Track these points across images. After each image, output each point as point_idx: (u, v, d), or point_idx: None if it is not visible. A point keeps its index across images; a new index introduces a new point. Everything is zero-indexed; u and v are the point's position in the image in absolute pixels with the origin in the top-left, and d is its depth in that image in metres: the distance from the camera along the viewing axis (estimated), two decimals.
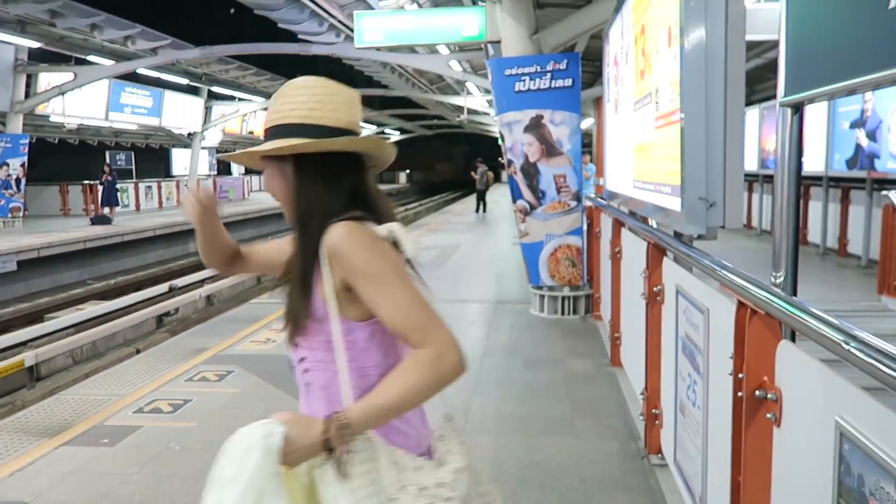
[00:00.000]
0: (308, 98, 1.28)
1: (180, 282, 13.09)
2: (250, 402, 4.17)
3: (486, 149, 43.90)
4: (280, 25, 13.19)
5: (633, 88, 3.89)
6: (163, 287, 12.64)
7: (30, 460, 3.41)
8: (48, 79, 16.40)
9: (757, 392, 1.74)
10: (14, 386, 7.72)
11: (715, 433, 2.24)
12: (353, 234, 1.21)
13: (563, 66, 6.00)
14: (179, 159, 27.78)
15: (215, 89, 23.09)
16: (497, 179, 36.77)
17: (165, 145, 29.07)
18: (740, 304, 1.86)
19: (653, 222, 3.65)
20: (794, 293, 1.79)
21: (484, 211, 19.13)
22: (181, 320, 11.21)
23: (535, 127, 6.09)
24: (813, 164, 9.32)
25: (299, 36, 14.08)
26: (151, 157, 30.78)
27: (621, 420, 3.81)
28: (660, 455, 3.21)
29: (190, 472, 3.24)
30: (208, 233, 1.51)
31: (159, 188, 22.93)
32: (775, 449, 1.70)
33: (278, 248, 1.53)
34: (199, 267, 15.43)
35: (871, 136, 7.65)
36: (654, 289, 3.17)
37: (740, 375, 1.82)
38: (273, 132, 1.29)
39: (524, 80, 6.08)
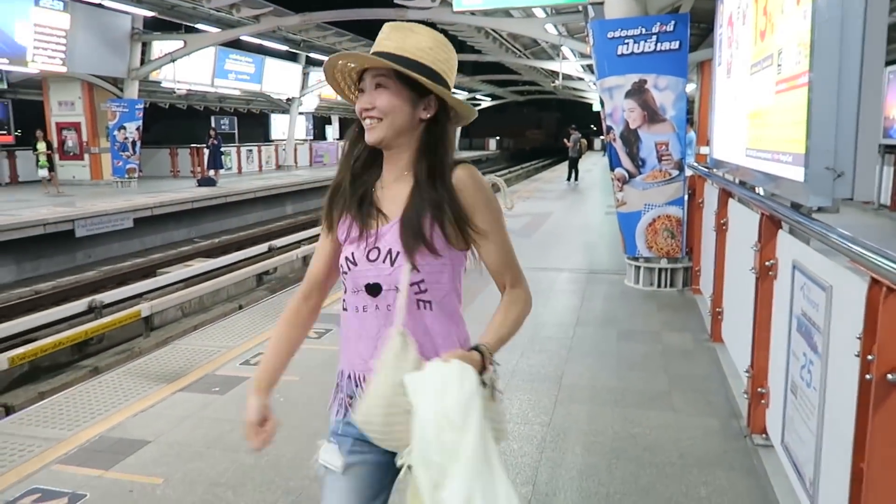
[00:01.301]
0: (437, 49, 1.39)
1: (279, 242, 13.65)
2: None
3: (579, 115, 42.87)
4: None
5: (750, 50, 3.66)
6: (263, 247, 13.22)
7: (150, 403, 3.68)
8: (160, 46, 17.25)
9: (889, 376, 1.63)
10: (131, 334, 8.33)
11: (833, 417, 2.13)
12: (480, 178, 1.40)
13: (670, 27, 5.72)
14: (278, 124, 28.72)
15: (313, 55, 23.60)
16: (590, 147, 35.96)
17: (265, 111, 30.10)
18: (874, 282, 1.73)
19: (762, 192, 3.45)
20: None
21: (576, 179, 18.76)
22: (279, 279, 11.71)
23: (638, 92, 5.87)
24: None
25: (395, 0, 14.13)
26: (252, 122, 31.97)
27: (722, 397, 3.68)
28: (764, 435, 3.08)
29: (294, 423, 3.40)
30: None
31: (259, 152, 23.83)
32: None
33: (327, 248, 1.55)
34: (296, 228, 16.05)
35: None
36: (767, 263, 3.01)
37: (870, 357, 1.71)
38: (407, 64, 1.35)
39: (627, 44, 5.84)
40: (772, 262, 2.98)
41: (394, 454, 1.37)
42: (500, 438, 1.36)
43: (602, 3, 6.19)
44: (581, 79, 26.15)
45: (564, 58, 21.22)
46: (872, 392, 1.70)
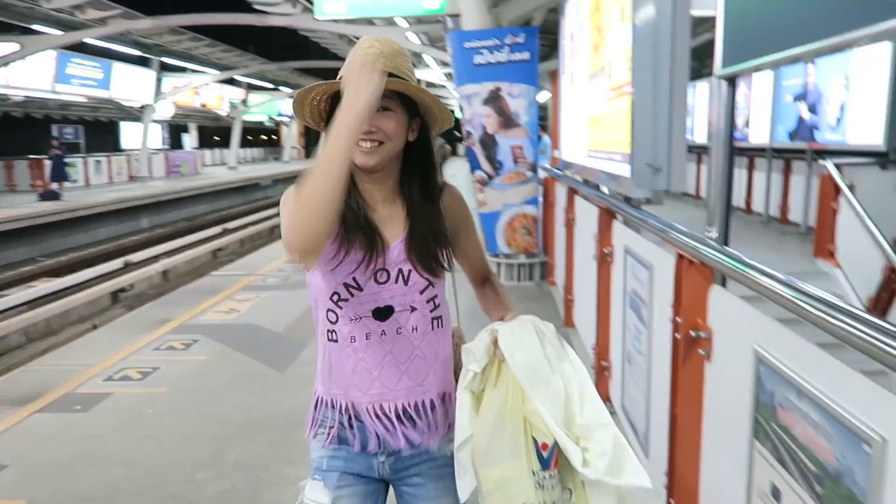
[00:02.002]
0: (410, 68, 1.35)
1: (135, 257, 12.94)
2: (218, 367, 4.28)
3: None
4: None
5: (588, 62, 4.08)
6: (117, 263, 12.48)
7: (4, 427, 3.48)
8: None
9: (691, 332, 1.97)
10: None
11: (657, 375, 2.48)
12: (462, 195, 1.50)
13: (520, 39, 6.16)
14: (129, 133, 27.11)
15: (166, 60, 22.53)
16: (454, 153, 36.81)
17: (114, 119, 28.30)
18: (679, 256, 2.07)
19: (604, 189, 3.87)
20: (726, 245, 2.02)
21: None
22: (137, 296, 11.12)
23: (494, 99, 6.25)
24: (758, 136, 9.73)
25: (255, 6, 13.89)
26: (99, 130, 29.92)
27: None
28: (608, 403, 3.46)
29: (165, 433, 3.36)
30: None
31: (109, 163, 22.33)
32: (706, 381, 1.93)
33: None
34: (153, 242, 15.26)
35: (812, 108, 8.04)
36: (605, 250, 3.40)
37: (678, 319, 2.05)
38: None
39: (483, 53, 6.22)
40: (609, 249, 3.36)
41: (380, 482, 1.42)
42: None
43: (459, 15, 6.52)
44: (443, 86, 26.85)
45: (426, 66, 21.73)
46: (681, 348, 2.03)
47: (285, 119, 37.32)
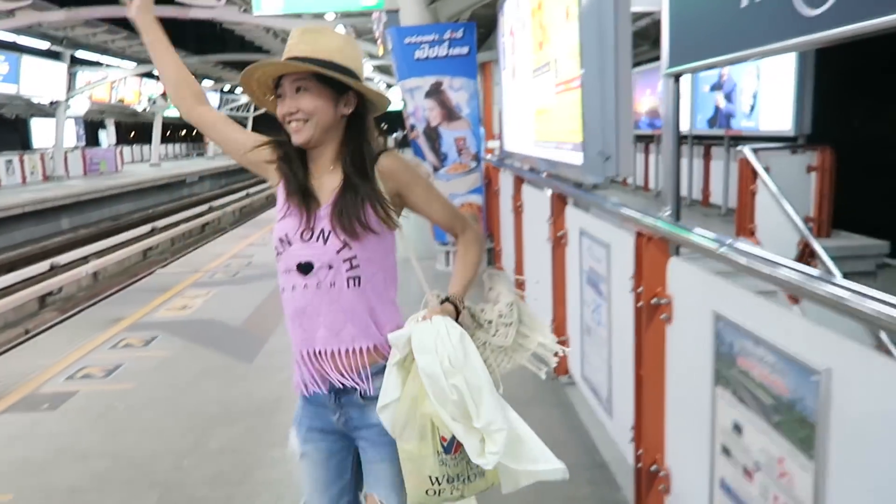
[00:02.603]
0: (347, 47, 1.51)
1: (62, 259, 12.46)
2: (182, 362, 4.32)
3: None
4: None
5: (531, 57, 4.34)
6: (43, 265, 11.99)
7: None
8: None
9: (653, 300, 2.24)
10: None
11: (617, 342, 2.76)
12: (402, 158, 1.60)
13: (459, 34, 6.36)
14: (40, 130, 25.77)
15: (80, 54, 21.54)
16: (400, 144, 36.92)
17: (22, 115, 26.82)
18: (638, 234, 2.34)
19: (553, 175, 4.13)
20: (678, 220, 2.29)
21: None
22: (66, 299, 10.75)
23: (436, 92, 6.44)
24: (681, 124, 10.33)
25: (176, 0, 13.51)
26: (5, 128, 28.33)
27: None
28: (567, 375, 3.75)
29: (142, 426, 3.42)
30: (155, 37, 1.73)
31: (21, 162, 21.22)
32: (668, 341, 2.21)
33: (244, 135, 1.69)
34: (80, 243, 14.69)
35: (728, 97, 8.63)
36: (559, 233, 3.66)
37: (640, 289, 2.32)
38: (325, 65, 1.45)
39: (423, 48, 6.39)
40: (562, 232, 3.63)
41: (345, 438, 1.60)
42: (500, 358, 1.61)
43: (398, 11, 6.67)
44: (370, 79, 26.79)
45: None
46: (644, 315, 2.30)
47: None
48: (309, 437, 1.63)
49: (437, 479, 1.48)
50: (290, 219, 1.52)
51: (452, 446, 1.47)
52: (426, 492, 1.49)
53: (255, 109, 45.24)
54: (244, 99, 41.14)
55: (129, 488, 2.82)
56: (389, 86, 29.43)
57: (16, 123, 27.99)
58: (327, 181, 1.54)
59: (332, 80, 1.47)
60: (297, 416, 1.67)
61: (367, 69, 23.15)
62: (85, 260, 12.56)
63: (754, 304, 1.70)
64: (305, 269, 1.50)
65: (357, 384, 1.54)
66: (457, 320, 1.49)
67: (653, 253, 2.27)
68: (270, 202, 21.98)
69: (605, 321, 2.91)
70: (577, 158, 3.26)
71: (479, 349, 1.49)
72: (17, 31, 15.97)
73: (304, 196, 1.51)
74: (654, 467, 2.35)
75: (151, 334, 4.92)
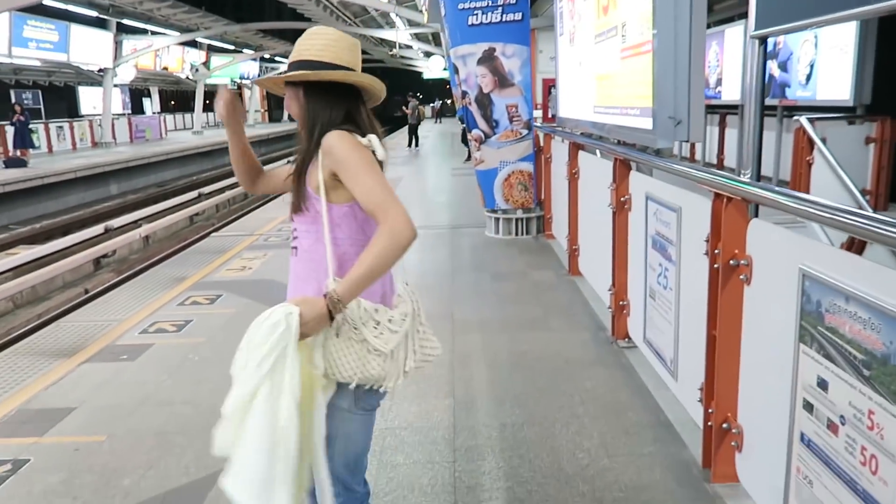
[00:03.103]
0: (322, 42, 1.69)
1: (115, 223, 12.85)
2: (248, 320, 4.45)
3: (407, 84, 43.65)
4: None
5: (593, 23, 4.31)
6: (98, 228, 12.38)
7: (59, 376, 3.65)
8: None
9: (731, 261, 2.28)
10: None
11: (688, 305, 2.80)
12: (342, 137, 1.61)
13: (512, 0, 6.33)
14: (87, 98, 26.30)
15: (126, 22, 21.87)
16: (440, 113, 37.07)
17: (71, 83, 27.40)
18: (716, 196, 2.37)
19: (613, 141, 4.14)
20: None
21: (416, 145, 19.36)
22: (120, 261, 11.11)
23: (488, 59, 6.44)
24: (729, 94, 10.10)
25: None
26: (55, 95, 28.97)
27: (587, 316, 4.39)
28: (627, 339, 3.80)
29: (216, 377, 3.57)
30: (236, 138, 1.88)
31: (72, 129, 21.78)
32: (746, 301, 2.25)
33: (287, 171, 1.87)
34: (130, 208, 15.11)
35: (783, 66, 8.42)
36: (622, 199, 3.69)
37: (717, 251, 2.35)
38: (294, 65, 1.69)
39: (477, 14, 6.38)
40: (626, 197, 3.65)
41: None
42: (333, 371, 1.61)
43: None
44: (410, 47, 26.72)
45: (394, 26, 21.55)
46: (720, 276, 2.34)
47: (247, 82, 36.56)
48: None
49: None
50: None
51: None
52: None
53: None
54: (283, 68, 41.33)
55: (211, 433, 2.98)
56: (428, 54, 29.30)
57: (64, 91, 28.60)
58: None
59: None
60: None
61: (405, 37, 23.06)
62: (136, 224, 12.92)
63: (843, 262, 1.73)
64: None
65: None
66: (331, 317, 1.54)
67: (732, 215, 2.30)
68: None
69: (674, 284, 2.95)
70: (645, 123, 3.27)
71: (349, 344, 1.60)
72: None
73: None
74: (725, 425, 2.40)
75: (216, 293, 5.11)
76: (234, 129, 1.85)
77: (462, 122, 16.70)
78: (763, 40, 2.24)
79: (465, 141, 16.10)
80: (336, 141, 1.60)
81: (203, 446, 2.86)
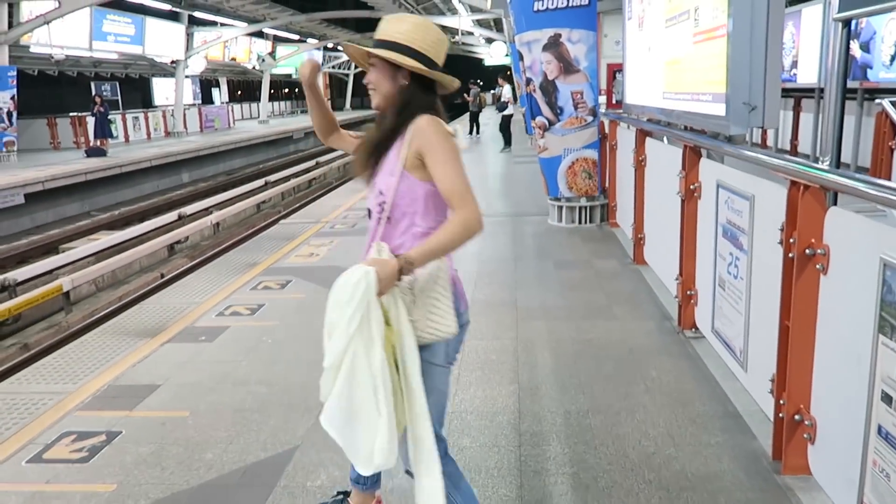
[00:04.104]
0: (421, 33, 1.81)
1: (188, 210, 13.36)
2: (319, 304, 4.57)
3: (468, 71, 43.51)
4: None
5: (664, 7, 4.23)
6: (171, 215, 12.91)
7: (144, 354, 3.87)
8: (30, 7, 16.01)
9: (807, 251, 2.23)
10: (46, 312, 8.10)
11: (760, 295, 2.76)
12: (434, 122, 1.78)
13: None
14: (160, 89, 27.34)
15: (196, 14, 22.58)
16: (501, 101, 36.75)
17: (145, 75, 28.53)
18: (793, 184, 2.31)
19: (683, 127, 4.06)
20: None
21: (478, 132, 19.34)
22: (192, 247, 11.56)
23: (554, 45, 6.39)
24: (806, 76, 9.70)
25: None
26: (130, 87, 30.21)
27: (653, 305, 4.35)
28: (694, 329, 3.76)
29: (290, 358, 3.74)
30: (316, 99, 2.07)
31: (146, 119, 22.71)
32: (822, 292, 2.20)
33: (352, 136, 2.13)
34: (202, 195, 15.68)
35: (865, 47, 8.03)
36: (691, 187, 3.63)
37: (792, 240, 2.30)
38: (389, 45, 1.79)
39: (542, 0, 6.33)
40: (695, 185, 3.59)
41: None
42: (421, 329, 1.75)
43: None
44: (471, 34, 26.63)
45: (456, 13, 21.52)
46: (795, 265, 2.29)
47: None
48: None
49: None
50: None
51: None
52: None
53: (355, 68, 45.97)
54: (345, 57, 41.90)
55: (287, 411, 3.12)
56: (490, 40, 29.13)
57: (139, 83, 29.80)
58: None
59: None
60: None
61: (467, 23, 23.01)
62: (207, 211, 13.41)
63: None
64: (369, 212, 1.89)
65: None
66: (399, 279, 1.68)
67: (809, 203, 2.25)
68: None
69: (745, 274, 2.90)
70: (718, 109, 3.21)
71: (435, 303, 1.77)
72: None
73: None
74: (797, 416, 2.36)
75: (286, 278, 5.29)
76: (313, 91, 2.04)
77: (498, 110, 16.33)
78: (847, 23, 2.17)
79: (503, 129, 15.94)
80: (430, 125, 1.76)
81: (278, 423, 3.01)
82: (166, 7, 20.90)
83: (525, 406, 3.08)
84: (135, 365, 3.73)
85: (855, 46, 8.31)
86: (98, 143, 17.65)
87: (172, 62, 23.76)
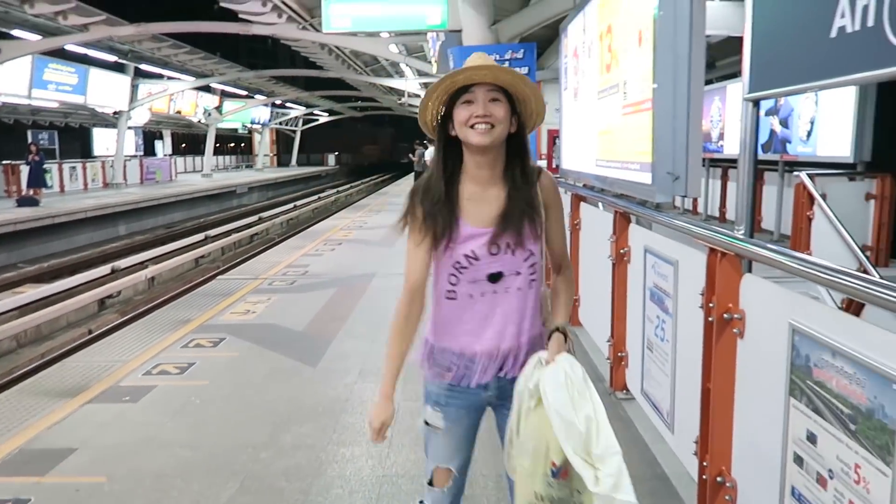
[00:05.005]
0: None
1: (121, 263, 12.96)
2: (252, 362, 4.53)
3: (412, 131, 44.38)
4: (222, 4, 13.15)
5: (597, 79, 4.46)
6: (104, 269, 12.49)
7: (62, 416, 3.68)
8: None
9: (725, 315, 2.33)
10: None
11: (683, 357, 2.84)
12: (555, 182, 1.80)
13: (520, 55, 6.54)
14: (101, 139, 26.88)
15: (143, 67, 22.47)
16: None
17: (86, 124, 28.02)
18: (711, 250, 2.43)
19: (614, 195, 4.23)
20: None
21: None
22: (124, 302, 11.18)
23: None
24: (732, 148, 10.27)
25: (240, 15, 14.07)
26: (69, 136, 29.58)
27: (586, 367, 4.32)
28: (624, 391, 3.82)
29: (220, 419, 3.61)
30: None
31: (84, 169, 22.17)
32: (739, 355, 2.29)
33: (424, 257, 1.75)
34: (139, 248, 15.26)
35: (784, 123, 8.59)
36: (621, 251, 3.76)
37: (711, 305, 2.40)
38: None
39: None
40: (625, 249, 3.72)
41: (478, 416, 1.85)
42: None
43: (459, 31, 6.88)
44: (418, 95, 27.25)
45: (403, 75, 22.06)
46: (714, 329, 2.39)
47: (258, 127, 37.25)
48: (457, 416, 1.82)
49: (541, 496, 1.66)
50: (462, 234, 1.70)
51: (560, 472, 1.64)
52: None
53: (303, 124, 46.29)
54: (293, 114, 42.19)
55: (211, 476, 3.00)
56: None
57: (79, 132, 29.23)
58: (496, 192, 1.72)
59: (511, 99, 1.67)
60: (437, 398, 1.82)
61: (414, 86, 23.59)
62: (142, 265, 13.04)
63: (832, 318, 1.79)
64: (496, 277, 1.70)
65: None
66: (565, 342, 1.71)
67: (726, 269, 2.36)
68: (317, 214, 22.44)
69: (670, 337, 2.99)
70: (645, 178, 3.37)
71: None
72: (87, 44, 16.76)
73: (457, 210, 1.71)
74: (720, 478, 2.42)
75: (219, 336, 5.15)
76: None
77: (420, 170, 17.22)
78: (756, 102, 2.34)
79: None
80: (554, 184, 1.77)
81: (200, 489, 2.89)
82: (112, 59, 20.71)
83: None
84: (51, 427, 3.54)
85: (776, 122, 8.88)
86: (31, 192, 17.10)
87: (115, 113, 23.44)
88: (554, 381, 1.60)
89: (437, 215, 1.69)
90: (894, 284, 1.53)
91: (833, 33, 1.72)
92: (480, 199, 1.71)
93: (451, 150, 1.73)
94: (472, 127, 1.63)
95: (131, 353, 4.84)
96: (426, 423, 1.85)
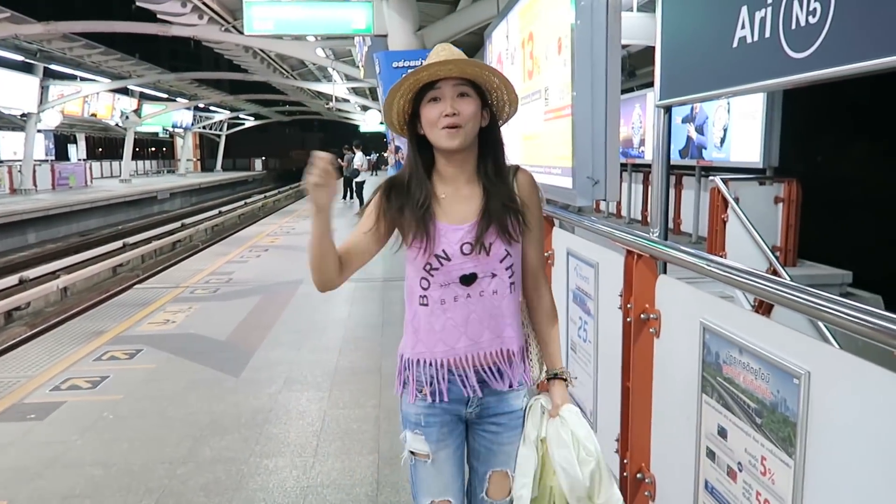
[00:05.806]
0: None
1: (31, 273, 12.25)
2: (170, 374, 4.35)
3: (343, 135, 43.97)
4: (140, 4, 12.67)
5: (520, 86, 4.52)
6: (12, 279, 11.78)
7: None
8: None
9: (642, 315, 2.39)
10: None
11: (604, 357, 2.90)
12: (535, 181, 1.68)
13: None
14: (8, 143, 25.38)
15: (53, 67, 21.36)
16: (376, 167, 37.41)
17: None
18: (628, 252, 2.49)
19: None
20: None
21: (352, 197, 19.40)
22: (35, 314, 10.58)
23: None
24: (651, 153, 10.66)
25: (159, 16, 13.59)
26: None
27: None
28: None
29: (133, 436, 3.44)
30: (327, 227, 1.55)
31: None
32: (656, 354, 2.36)
33: (362, 236, 1.65)
34: (50, 258, 14.46)
35: (700, 130, 8.97)
36: (546, 254, 3.81)
37: (629, 305, 2.46)
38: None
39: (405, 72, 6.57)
40: (549, 252, 3.78)
41: (464, 430, 1.73)
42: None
43: (385, 36, 6.85)
44: (347, 100, 27.04)
45: (331, 80, 21.83)
46: (632, 330, 2.45)
47: (180, 131, 36.03)
48: (440, 436, 1.66)
49: None
50: (430, 234, 1.56)
51: None
52: None
53: (228, 129, 45.13)
54: (217, 118, 41.07)
55: (124, 495, 2.85)
56: (365, 108, 29.71)
57: None
58: (471, 190, 1.61)
59: (481, 91, 1.56)
60: (422, 420, 1.67)
61: (342, 91, 23.39)
62: (54, 275, 12.36)
63: (739, 316, 1.86)
64: (469, 279, 1.57)
65: (511, 378, 1.67)
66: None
67: (642, 271, 2.42)
68: (244, 221, 21.87)
69: (592, 337, 3.05)
70: (566, 182, 3.43)
71: None
72: None
73: (431, 209, 1.59)
74: (639, 475, 2.48)
75: (136, 347, 4.93)
76: (325, 216, 1.53)
77: (349, 175, 18.45)
78: (668, 109, 2.41)
79: (358, 194, 17.98)
80: (533, 182, 1.64)
81: None
82: (19, 58, 19.59)
83: (384, 476, 3.01)
84: None
85: (692, 129, 9.26)
86: None
87: (23, 115, 22.17)
88: (559, 441, 1.62)
89: (408, 212, 1.58)
90: (795, 286, 1.60)
91: (735, 44, 1.79)
92: (454, 197, 1.60)
93: (424, 148, 1.62)
94: (442, 128, 1.52)
95: (39, 367, 4.56)
96: (411, 454, 1.69)
